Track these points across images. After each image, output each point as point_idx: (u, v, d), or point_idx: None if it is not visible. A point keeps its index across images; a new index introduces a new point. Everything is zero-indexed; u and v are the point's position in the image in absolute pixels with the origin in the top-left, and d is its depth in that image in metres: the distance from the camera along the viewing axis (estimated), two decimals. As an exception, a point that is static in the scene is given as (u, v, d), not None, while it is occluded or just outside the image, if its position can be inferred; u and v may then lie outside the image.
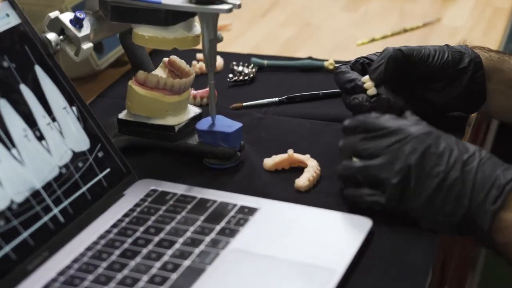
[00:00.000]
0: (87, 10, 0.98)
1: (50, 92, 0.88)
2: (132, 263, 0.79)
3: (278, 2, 1.59)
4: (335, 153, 0.99)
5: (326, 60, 1.26)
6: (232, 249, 0.81)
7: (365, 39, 1.39)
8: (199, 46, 0.95)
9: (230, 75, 1.23)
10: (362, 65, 1.02)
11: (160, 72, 1.03)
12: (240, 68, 1.24)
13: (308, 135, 1.06)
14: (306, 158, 0.96)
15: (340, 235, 0.83)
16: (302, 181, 0.93)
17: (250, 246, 0.81)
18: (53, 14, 0.95)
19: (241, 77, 1.22)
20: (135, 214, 0.87)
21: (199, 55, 1.29)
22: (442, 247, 0.93)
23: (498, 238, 0.80)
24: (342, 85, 1.00)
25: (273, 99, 1.15)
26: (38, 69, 0.89)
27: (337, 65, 1.24)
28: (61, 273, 0.78)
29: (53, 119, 0.87)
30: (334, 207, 0.87)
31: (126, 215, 0.87)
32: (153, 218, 0.86)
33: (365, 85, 0.98)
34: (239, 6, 0.90)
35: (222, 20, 1.42)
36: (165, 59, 1.04)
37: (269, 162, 0.97)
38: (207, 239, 0.82)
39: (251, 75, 1.23)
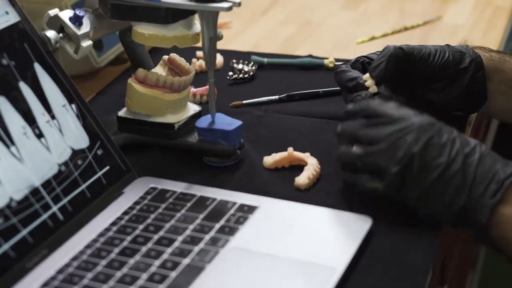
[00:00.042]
0: (87, 8, 0.98)
1: (50, 90, 0.88)
2: (132, 261, 0.78)
3: (278, 0, 1.59)
4: (335, 151, 0.99)
5: (326, 58, 1.26)
6: (231, 247, 0.80)
7: (365, 37, 1.39)
8: (199, 44, 0.95)
9: (230, 73, 1.23)
10: (362, 64, 1.02)
11: (159, 70, 1.03)
12: (240, 66, 1.24)
13: (308, 133, 1.05)
14: (306, 156, 0.96)
15: (340, 233, 0.83)
16: (302, 179, 0.92)
17: (249, 245, 0.81)
18: (52, 12, 0.95)
19: (241, 75, 1.22)
20: (134, 212, 0.86)
21: (199, 53, 1.28)
22: (442, 246, 0.92)
23: (495, 232, 0.80)
24: (344, 84, 1.00)
25: (273, 97, 1.15)
26: (38, 67, 0.88)
27: (337, 63, 1.24)
28: (60, 271, 0.78)
29: (53, 117, 0.87)
30: (334, 206, 0.87)
31: (125, 213, 0.86)
32: (152, 216, 0.86)
33: (366, 83, 0.98)
34: (239, 4, 0.89)
35: (222, 18, 1.42)
36: (165, 57, 1.03)
37: (269, 160, 0.97)
38: (207, 237, 0.82)
39: (251, 73, 1.23)
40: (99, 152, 0.90)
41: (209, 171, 0.97)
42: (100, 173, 0.89)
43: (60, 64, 0.92)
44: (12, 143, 0.82)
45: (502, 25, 1.44)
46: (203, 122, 0.98)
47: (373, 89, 0.98)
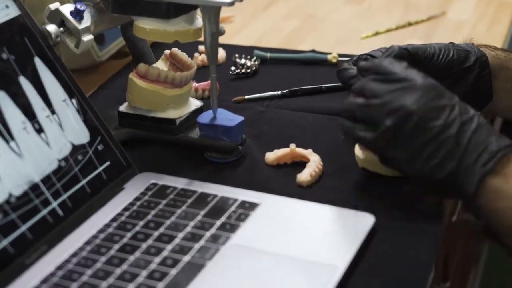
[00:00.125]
0: (88, 2, 0.97)
1: (50, 84, 0.88)
2: (131, 258, 0.78)
3: (281, -5, 1.58)
4: (338, 147, 0.99)
5: (330, 54, 1.25)
6: (232, 245, 0.80)
7: (369, 32, 1.38)
8: (201, 39, 0.94)
9: (233, 68, 1.22)
10: (365, 61, 1.01)
11: (161, 64, 1.02)
12: (243, 61, 1.23)
13: (310, 129, 1.05)
14: (309, 153, 0.96)
15: (342, 231, 0.83)
16: (304, 176, 0.92)
17: (250, 242, 0.80)
18: (53, 6, 0.94)
19: (243, 70, 1.22)
20: (134, 208, 0.86)
21: (201, 47, 1.28)
22: (445, 243, 0.92)
23: (482, 202, 0.80)
24: (346, 82, 0.99)
25: (276, 93, 1.15)
26: (38, 61, 0.88)
27: (340, 58, 1.23)
28: (60, 267, 0.77)
29: (53, 112, 0.87)
30: (336, 203, 0.86)
31: (125, 209, 0.86)
32: (153, 212, 0.85)
33: None
34: (241, -1, 0.89)
35: (225, 12, 1.41)
36: (167, 52, 1.03)
37: (271, 156, 0.97)
38: (207, 234, 0.81)
39: (254, 68, 1.22)
40: (100, 147, 0.90)
41: (210, 167, 0.97)
42: (100, 169, 0.89)
43: (61, 58, 0.91)
44: (12, 138, 0.81)
45: (507, 20, 1.43)
46: (205, 117, 0.97)
47: None
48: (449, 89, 1.01)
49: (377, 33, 1.38)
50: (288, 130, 1.05)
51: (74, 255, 0.79)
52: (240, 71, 1.21)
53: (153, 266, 0.77)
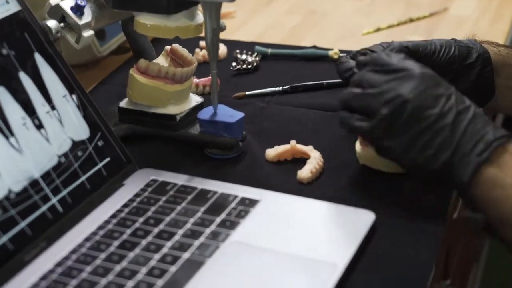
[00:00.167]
0: (88, -3, 0.97)
1: (50, 80, 0.87)
2: (131, 255, 0.78)
3: (283, -10, 1.58)
4: (339, 144, 0.98)
5: (331, 49, 1.25)
6: (232, 242, 0.80)
7: (370, 29, 1.38)
8: (202, 34, 0.94)
9: (234, 64, 1.22)
10: (365, 56, 1.01)
11: (162, 60, 1.02)
12: (244, 57, 1.23)
13: (311, 125, 1.05)
14: (309, 149, 0.95)
15: (342, 228, 0.82)
16: (305, 172, 0.92)
17: (250, 239, 0.80)
18: (53, 1, 0.94)
19: (244, 66, 1.21)
20: (134, 204, 0.86)
21: (202, 43, 1.27)
22: (446, 240, 0.92)
23: (476, 191, 0.80)
24: (342, 74, 0.99)
25: (277, 88, 1.14)
26: (38, 57, 0.87)
27: (341, 54, 1.23)
28: (59, 264, 0.77)
29: (53, 108, 0.86)
30: (337, 200, 0.86)
31: (125, 205, 0.86)
32: (153, 208, 0.85)
33: None
34: (242, -6, 0.88)
35: (226, 8, 1.41)
36: (167, 47, 1.03)
37: (272, 152, 0.96)
38: (207, 231, 0.81)
39: (255, 64, 1.22)
40: (100, 143, 0.90)
41: (210, 163, 0.96)
42: (100, 165, 0.88)
43: (62, 53, 0.91)
44: (12, 134, 0.81)
45: (509, 16, 1.42)
46: (205, 113, 0.97)
47: None
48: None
49: (378, 29, 1.38)
50: (289, 127, 1.04)
51: (73, 251, 0.79)
52: (241, 67, 1.21)
53: (152, 263, 0.76)
